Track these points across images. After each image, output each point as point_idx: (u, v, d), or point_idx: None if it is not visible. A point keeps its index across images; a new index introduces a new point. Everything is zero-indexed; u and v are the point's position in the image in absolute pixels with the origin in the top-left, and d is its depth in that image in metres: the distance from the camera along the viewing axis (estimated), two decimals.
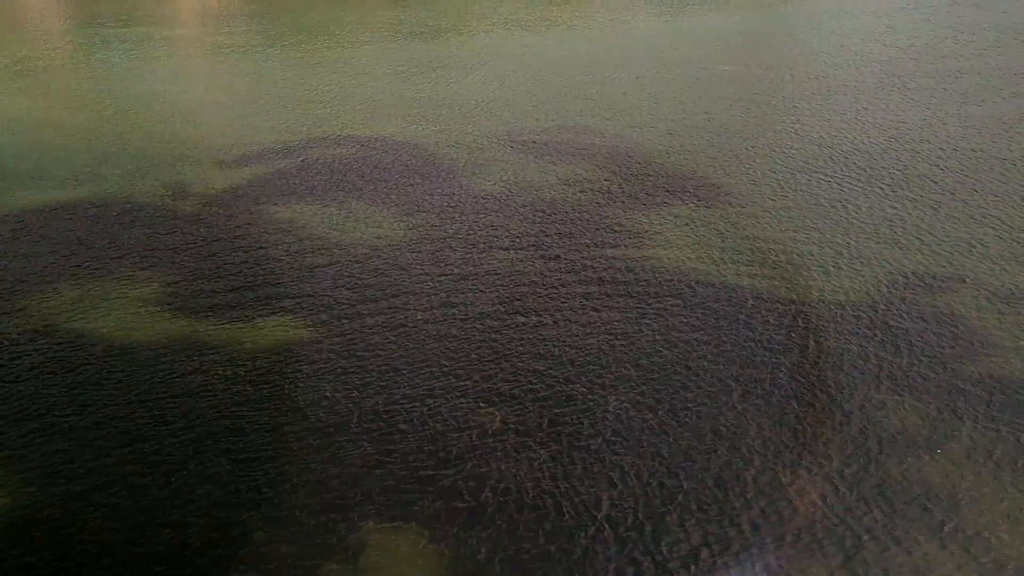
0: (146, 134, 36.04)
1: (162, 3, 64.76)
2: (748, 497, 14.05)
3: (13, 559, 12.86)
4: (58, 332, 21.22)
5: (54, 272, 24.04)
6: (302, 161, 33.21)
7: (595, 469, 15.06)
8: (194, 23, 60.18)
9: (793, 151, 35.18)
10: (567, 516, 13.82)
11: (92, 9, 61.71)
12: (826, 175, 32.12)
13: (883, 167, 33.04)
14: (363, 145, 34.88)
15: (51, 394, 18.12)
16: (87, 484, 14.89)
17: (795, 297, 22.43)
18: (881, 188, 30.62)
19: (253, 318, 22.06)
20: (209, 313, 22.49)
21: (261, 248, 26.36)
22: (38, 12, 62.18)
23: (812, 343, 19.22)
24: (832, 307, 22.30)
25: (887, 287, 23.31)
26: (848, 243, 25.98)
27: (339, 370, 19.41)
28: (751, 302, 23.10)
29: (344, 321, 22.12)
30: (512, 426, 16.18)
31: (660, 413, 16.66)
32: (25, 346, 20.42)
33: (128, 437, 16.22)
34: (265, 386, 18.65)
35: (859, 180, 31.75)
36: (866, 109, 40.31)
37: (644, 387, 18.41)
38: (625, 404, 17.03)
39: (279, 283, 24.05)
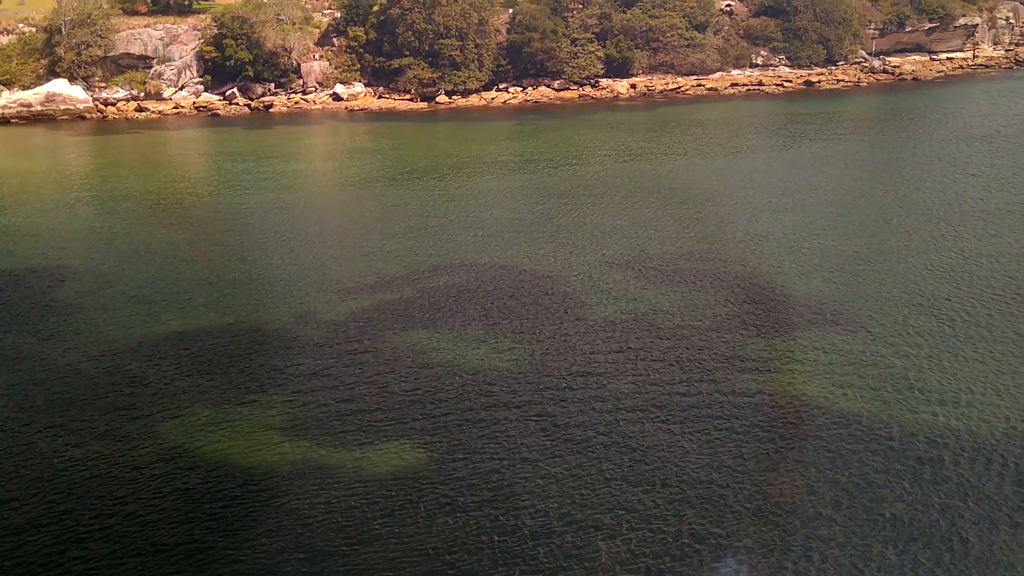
0: (278, 263, 37.32)
1: (292, 141, 67.84)
2: None
3: None
4: (190, 455, 21.40)
5: (188, 395, 24.54)
6: (425, 288, 33.57)
7: None
8: (323, 158, 62.73)
9: (932, 281, 33.65)
10: None
11: (232, 147, 65.01)
12: (969, 308, 30.43)
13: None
14: (487, 272, 35.11)
15: (174, 515, 17.93)
16: None
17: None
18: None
19: (375, 444, 21.85)
20: (333, 438, 22.40)
21: (383, 376, 26.34)
22: (179, 148, 65.74)
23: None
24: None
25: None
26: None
27: (461, 506, 18.68)
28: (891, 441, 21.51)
29: (467, 453, 21.52)
30: None
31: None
32: (159, 469, 20.61)
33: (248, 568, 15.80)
34: (385, 519, 17.99)
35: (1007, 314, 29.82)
36: (994, 236, 38.36)
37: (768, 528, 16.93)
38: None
39: (400, 411, 23.83)
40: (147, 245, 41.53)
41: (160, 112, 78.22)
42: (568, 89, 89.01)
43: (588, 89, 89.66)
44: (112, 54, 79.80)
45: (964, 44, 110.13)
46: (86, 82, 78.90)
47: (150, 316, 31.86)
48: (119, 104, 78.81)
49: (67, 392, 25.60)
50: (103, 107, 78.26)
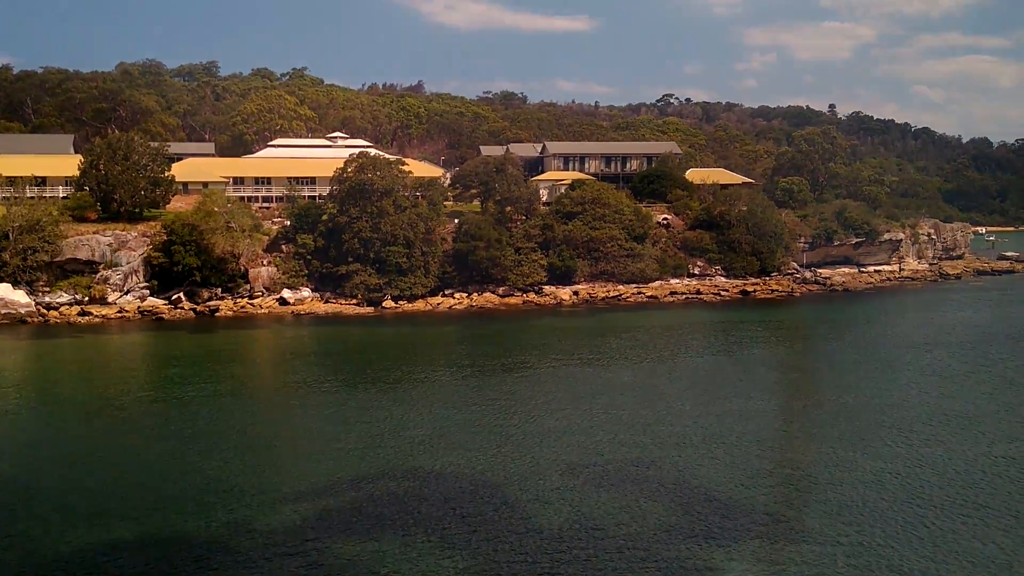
0: (220, 470, 36.31)
1: (236, 345, 67.40)
2: None
3: None
4: None
5: None
6: (372, 495, 32.84)
7: None
8: (267, 362, 62.37)
9: (884, 489, 33.85)
10: None
11: (175, 351, 64.23)
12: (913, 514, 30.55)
13: (954, 505, 31.33)
14: (435, 478, 34.54)
15: None
16: None
17: None
18: (963, 526, 28.74)
19: None
20: None
21: None
22: (120, 353, 64.95)
23: None
24: None
25: None
26: None
27: None
28: None
29: None
30: None
31: None
32: None
33: None
34: None
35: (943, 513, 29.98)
36: (941, 443, 39.15)
37: None
38: None
39: None
40: (83, 453, 39.97)
41: (104, 316, 77.39)
42: (512, 295, 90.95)
43: (532, 296, 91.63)
44: (58, 259, 79.50)
45: (890, 258, 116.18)
46: (30, 286, 78.13)
47: (83, 528, 30.40)
48: (62, 308, 77.70)
49: None
50: (45, 311, 76.99)
